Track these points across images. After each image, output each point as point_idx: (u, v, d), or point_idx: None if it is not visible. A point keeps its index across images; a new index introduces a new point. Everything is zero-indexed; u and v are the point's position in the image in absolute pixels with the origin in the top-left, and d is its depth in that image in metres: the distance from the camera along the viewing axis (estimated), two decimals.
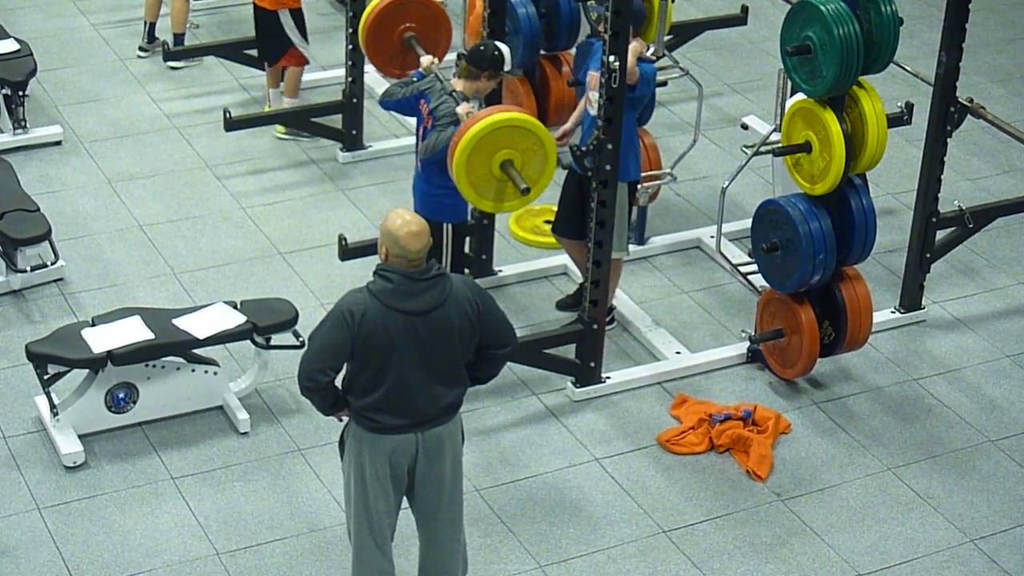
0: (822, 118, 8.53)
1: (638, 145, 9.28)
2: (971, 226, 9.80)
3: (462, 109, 8.54)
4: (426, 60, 9.01)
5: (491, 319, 6.80)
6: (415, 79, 8.97)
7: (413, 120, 9.14)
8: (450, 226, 8.81)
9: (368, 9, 9.60)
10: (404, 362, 6.62)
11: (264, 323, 8.64)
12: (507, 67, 8.86)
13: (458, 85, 8.78)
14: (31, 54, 11.44)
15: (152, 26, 12.49)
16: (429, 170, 8.71)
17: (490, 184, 8.39)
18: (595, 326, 8.87)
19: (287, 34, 11.18)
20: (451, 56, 9.69)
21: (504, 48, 8.84)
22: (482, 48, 8.84)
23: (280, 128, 11.35)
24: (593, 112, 8.86)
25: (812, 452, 8.70)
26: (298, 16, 11.24)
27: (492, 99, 9.41)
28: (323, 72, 12.37)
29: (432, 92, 8.77)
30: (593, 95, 8.87)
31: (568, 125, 9.39)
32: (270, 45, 11.31)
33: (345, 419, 6.93)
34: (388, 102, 9.03)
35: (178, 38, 12.41)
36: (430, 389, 6.71)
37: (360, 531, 6.95)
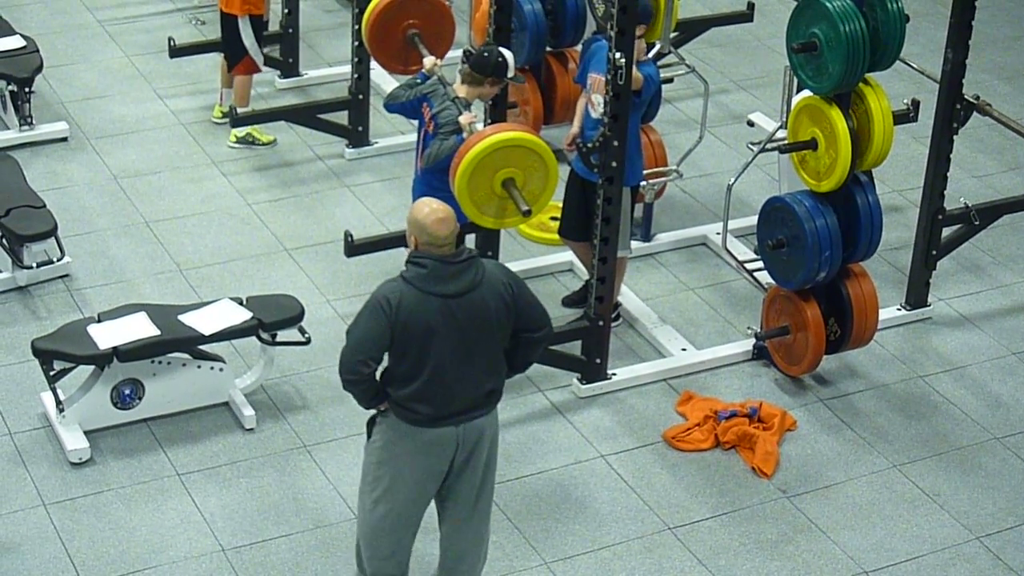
0: (828, 115, 8.52)
1: (640, 148, 9.25)
2: (977, 223, 9.80)
3: (464, 119, 8.52)
4: (428, 62, 8.99)
5: (525, 302, 6.83)
6: (419, 80, 8.96)
7: (417, 122, 9.12)
8: None
9: (371, 6, 9.60)
10: (443, 347, 6.63)
11: (270, 319, 8.64)
12: (510, 74, 8.84)
13: (461, 90, 8.77)
14: (37, 50, 11.44)
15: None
16: (431, 175, 8.70)
17: (492, 202, 8.37)
18: (601, 323, 8.87)
19: (242, 40, 11.13)
20: (456, 53, 9.68)
21: (508, 55, 8.81)
22: (486, 55, 8.81)
23: (232, 136, 11.31)
24: (595, 115, 8.85)
25: (818, 449, 8.70)
26: (257, 23, 11.18)
27: (498, 97, 9.40)
28: (329, 69, 12.38)
29: (435, 96, 8.75)
30: (596, 97, 8.85)
31: (575, 128, 9.33)
32: (229, 49, 11.28)
33: (383, 410, 6.89)
34: (392, 105, 9.02)
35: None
36: (469, 375, 6.72)
37: (379, 515, 6.93)
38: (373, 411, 6.95)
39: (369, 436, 7.01)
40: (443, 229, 6.60)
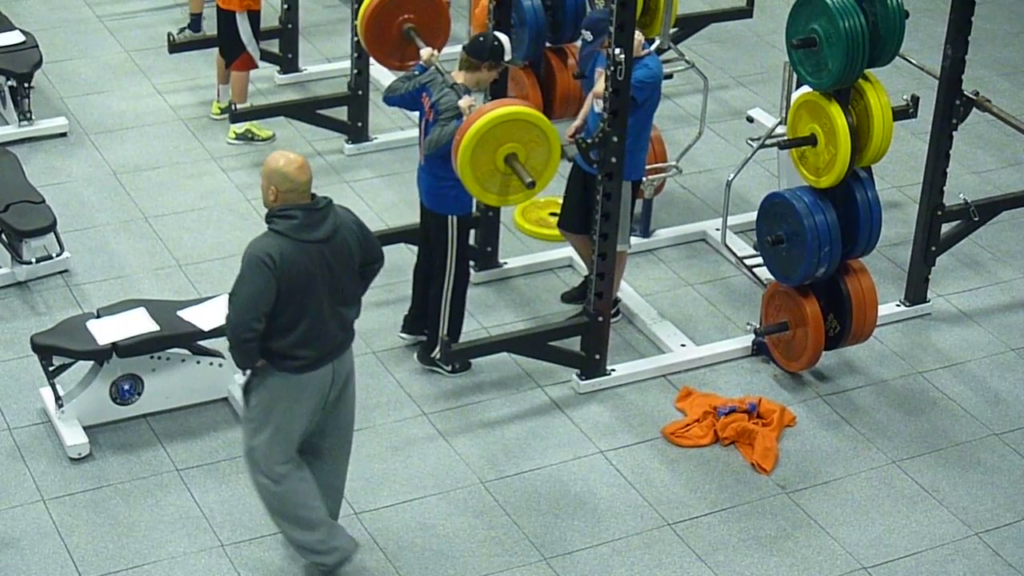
0: (827, 111, 8.52)
1: (644, 147, 9.24)
2: (976, 219, 9.79)
3: (464, 102, 8.52)
4: (426, 53, 8.99)
5: (369, 236, 7.32)
6: (416, 72, 8.96)
7: (418, 113, 9.14)
8: (455, 218, 8.80)
9: (367, 2, 9.61)
10: (320, 292, 7.00)
11: None
12: (507, 57, 8.85)
13: (459, 77, 8.77)
14: (36, 46, 11.44)
15: (196, 17, 12.46)
16: (433, 163, 8.70)
17: (495, 179, 8.38)
18: (600, 318, 8.87)
19: (240, 36, 11.13)
20: (455, 49, 9.68)
21: (504, 38, 8.81)
22: (482, 39, 8.82)
23: (231, 133, 11.31)
24: (598, 108, 8.84)
25: (817, 445, 8.70)
26: (254, 18, 11.19)
27: (497, 89, 9.41)
28: (328, 64, 12.38)
29: (433, 85, 8.75)
30: (600, 87, 8.83)
31: (579, 121, 9.34)
32: (226, 45, 11.27)
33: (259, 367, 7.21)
34: (391, 98, 9.02)
35: (195, 18, 12.41)
36: (338, 312, 7.11)
37: (277, 463, 7.24)
38: (248, 380, 7.29)
39: (247, 403, 7.30)
40: (303, 175, 6.95)
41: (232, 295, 7.00)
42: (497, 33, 8.89)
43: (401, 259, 9.62)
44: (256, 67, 11.37)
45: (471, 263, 9.71)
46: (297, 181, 6.92)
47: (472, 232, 9.70)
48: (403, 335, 9.26)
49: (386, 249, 9.49)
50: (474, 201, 8.96)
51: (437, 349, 8.89)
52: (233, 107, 10.99)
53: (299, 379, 7.11)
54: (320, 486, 7.45)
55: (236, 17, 11.06)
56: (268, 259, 6.87)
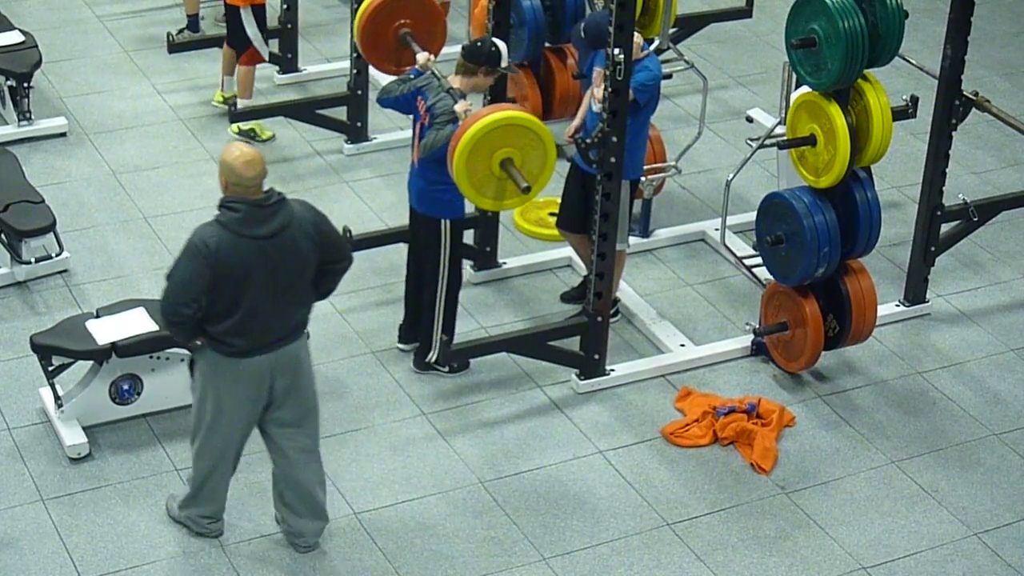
0: (827, 111, 8.53)
1: (643, 145, 9.24)
2: (976, 220, 9.80)
3: (460, 107, 8.51)
4: (422, 57, 8.98)
5: (330, 236, 7.32)
6: (412, 76, 8.95)
7: (412, 116, 9.13)
8: (447, 222, 8.78)
9: (363, 7, 9.60)
10: (258, 286, 7.01)
11: None
12: (504, 63, 8.83)
13: (455, 82, 8.76)
14: (36, 46, 11.44)
15: (193, 18, 12.48)
16: (426, 167, 8.68)
17: (491, 183, 8.37)
18: (599, 318, 8.87)
19: (246, 31, 11.16)
20: (454, 49, 9.68)
21: (501, 44, 8.80)
22: (479, 44, 8.81)
23: (234, 128, 11.32)
24: (596, 108, 8.84)
25: (816, 445, 8.70)
26: (259, 13, 11.22)
27: (496, 92, 9.40)
28: (328, 64, 12.38)
29: (429, 89, 8.75)
30: (598, 91, 8.84)
31: (577, 121, 9.34)
32: (234, 39, 11.31)
33: (200, 344, 7.29)
34: (386, 99, 9.00)
35: (193, 19, 12.42)
36: (281, 310, 7.13)
37: (212, 453, 7.42)
38: (192, 356, 7.41)
39: (192, 377, 7.40)
40: (249, 171, 6.98)
41: (167, 276, 7.09)
42: (495, 39, 8.88)
43: (400, 259, 9.60)
44: (264, 61, 11.39)
45: (470, 263, 9.72)
46: (242, 176, 6.97)
47: (471, 232, 9.71)
48: (401, 346, 9.23)
49: (385, 249, 9.63)
50: (466, 203, 8.95)
51: (435, 350, 8.89)
52: (232, 106, 10.99)
53: (232, 363, 7.18)
54: (289, 481, 7.56)
55: (240, 12, 11.09)
56: (204, 247, 6.95)
